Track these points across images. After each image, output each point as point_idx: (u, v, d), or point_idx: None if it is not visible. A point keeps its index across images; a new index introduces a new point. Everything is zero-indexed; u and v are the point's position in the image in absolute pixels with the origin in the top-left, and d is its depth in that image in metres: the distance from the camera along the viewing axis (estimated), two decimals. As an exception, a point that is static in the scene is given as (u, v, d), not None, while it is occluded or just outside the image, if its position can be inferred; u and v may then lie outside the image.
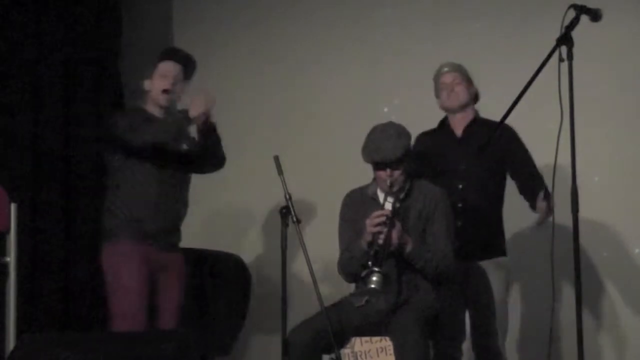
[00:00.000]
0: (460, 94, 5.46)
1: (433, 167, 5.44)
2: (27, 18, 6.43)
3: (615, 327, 5.95)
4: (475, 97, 5.56)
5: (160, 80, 5.40)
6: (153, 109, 5.42)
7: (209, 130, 5.38)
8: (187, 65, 5.52)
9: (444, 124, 5.57)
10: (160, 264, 5.36)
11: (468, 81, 5.50)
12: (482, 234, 5.38)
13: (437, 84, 5.53)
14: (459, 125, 5.49)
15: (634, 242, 6.07)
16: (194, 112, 5.25)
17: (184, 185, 5.51)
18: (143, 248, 5.29)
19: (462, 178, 5.39)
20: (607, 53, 6.01)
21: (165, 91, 5.36)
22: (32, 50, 6.40)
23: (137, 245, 5.28)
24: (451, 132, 5.52)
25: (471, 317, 5.42)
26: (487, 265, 5.36)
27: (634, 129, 5.79)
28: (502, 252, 5.44)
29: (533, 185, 5.23)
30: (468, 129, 5.47)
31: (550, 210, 5.03)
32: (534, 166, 5.36)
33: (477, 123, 5.47)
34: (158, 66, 5.42)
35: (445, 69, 5.50)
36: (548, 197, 5.06)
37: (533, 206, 5.21)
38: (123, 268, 5.26)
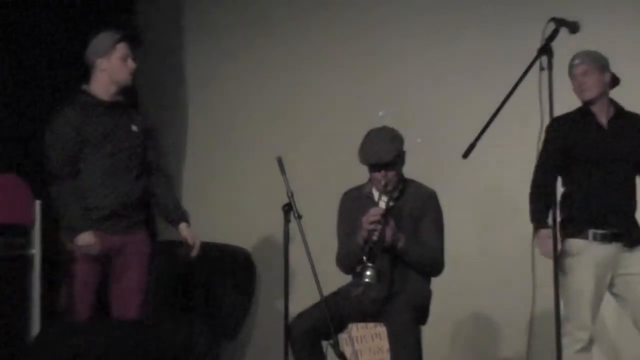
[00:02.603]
0: (591, 87, 5.07)
1: (576, 156, 5.09)
2: (43, 27, 6.42)
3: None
4: (612, 83, 5.13)
5: (122, 62, 5.31)
6: (103, 90, 5.29)
7: None
8: (137, 44, 5.46)
9: (585, 112, 5.15)
10: (115, 247, 5.26)
11: (600, 69, 5.07)
12: (629, 224, 5.06)
13: (571, 77, 5.12)
14: (601, 114, 5.11)
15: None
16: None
17: (132, 169, 5.34)
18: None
19: (608, 170, 5.05)
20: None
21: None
22: (52, 50, 6.39)
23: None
24: (595, 122, 5.11)
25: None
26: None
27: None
28: None
29: None
30: (614, 120, 5.11)
31: None
32: None
33: (624, 115, 5.14)
34: (116, 47, 5.30)
35: (576, 61, 5.09)
36: None
37: None
38: (75, 262, 5.20)
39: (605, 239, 4.98)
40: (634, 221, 5.05)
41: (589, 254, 4.97)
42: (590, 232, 4.99)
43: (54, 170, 5.19)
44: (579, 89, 5.08)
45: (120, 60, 5.30)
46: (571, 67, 5.09)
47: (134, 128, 5.37)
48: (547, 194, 4.71)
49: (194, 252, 5.43)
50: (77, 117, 5.25)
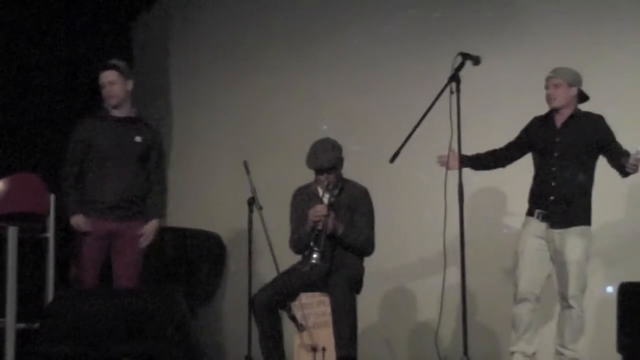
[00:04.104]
0: (558, 98, 5.24)
1: (536, 149, 5.35)
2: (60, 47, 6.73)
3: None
4: (578, 98, 5.28)
5: (102, 89, 5.46)
6: (108, 107, 5.50)
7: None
8: (118, 68, 5.48)
9: (548, 115, 5.35)
10: (114, 232, 5.43)
11: (569, 85, 5.23)
12: (568, 207, 5.20)
13: (545, 86, 5.30)
14: (559, 118, 5.29)
15: (501, 223, 6.31)
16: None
17: (131, 172, 5.47)
18: (96, 221, 5.38)
19: (554, 164, 5.24)
20: (486, 87, 6.13)
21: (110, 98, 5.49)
22: (68, 70, 6.71)
23: (91, 220, 5.38)
24: (552, 123, 5.31)
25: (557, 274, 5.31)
26: (572, 231, 5.20)
27: (505, 139, 5.54)
28: (586, 222, 5.25)
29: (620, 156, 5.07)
30: (566, 122, 5.27)
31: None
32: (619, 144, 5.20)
33: (575, 117, 5.27)
34: (99, 76, 5.45)
35: (552, 74, 5.27)
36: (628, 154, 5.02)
37: (623, 171, 5.05)
38: (81, 239, 5.40)
39: (544, 218, 5.23)
40: (573, 206, 5.19)
41: (530, 227, 5.31)
42: (536, 211, 5.29)
43: (66, 168, 5.43)
44: (548, 98, 5.28)
45: (102, 88, 5.49)
46: (548, 78, 5.28)
47: (138, 139, 5.52)
48: (493, 154, 5.42)
49: (143, 243, 5.54)
50: (89, 127, 5.49)
